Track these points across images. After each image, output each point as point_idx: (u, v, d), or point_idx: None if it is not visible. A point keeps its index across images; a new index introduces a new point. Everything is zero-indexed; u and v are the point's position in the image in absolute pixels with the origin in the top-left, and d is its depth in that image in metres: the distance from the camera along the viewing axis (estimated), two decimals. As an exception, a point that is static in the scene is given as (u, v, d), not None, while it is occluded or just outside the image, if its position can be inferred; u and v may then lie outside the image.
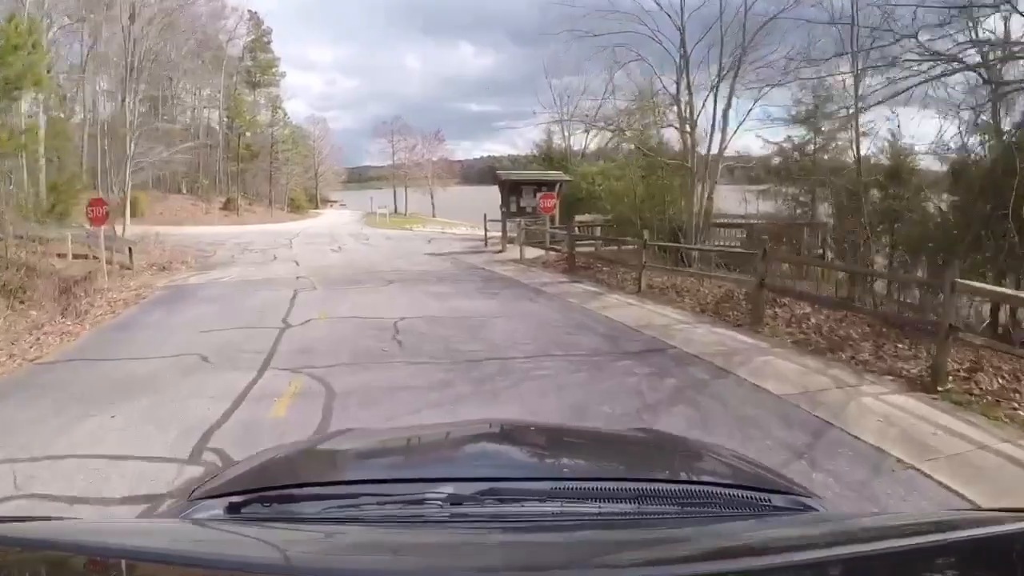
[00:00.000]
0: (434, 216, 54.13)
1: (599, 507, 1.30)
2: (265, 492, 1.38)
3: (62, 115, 31.34)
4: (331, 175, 66.30)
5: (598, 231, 20.88)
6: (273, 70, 52.89)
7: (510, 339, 8.63)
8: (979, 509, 2.95)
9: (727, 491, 1.46)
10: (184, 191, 42.27)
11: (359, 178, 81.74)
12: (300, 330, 9.25)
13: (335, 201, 68.71)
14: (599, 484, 1.39)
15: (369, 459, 1.93)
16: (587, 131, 31.29)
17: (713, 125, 17.45)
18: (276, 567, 0.94)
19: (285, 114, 50.65)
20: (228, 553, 1.05)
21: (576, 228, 18.77)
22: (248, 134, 45.06)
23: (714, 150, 17.85)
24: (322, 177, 64.83)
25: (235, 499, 1.34)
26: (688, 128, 17.80)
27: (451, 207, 54.56)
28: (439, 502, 1.29)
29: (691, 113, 17.70)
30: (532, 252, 19.06)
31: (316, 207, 59.71)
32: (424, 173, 56.58)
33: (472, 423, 2.53)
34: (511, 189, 22.67)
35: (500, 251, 21.39)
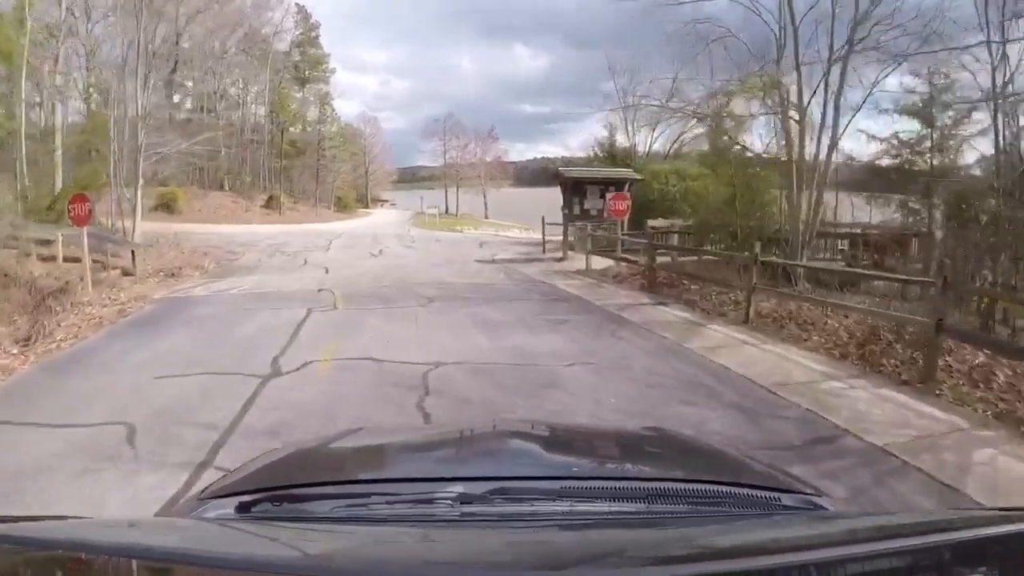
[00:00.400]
0: (486, 217, 51.57)
1: (609, 506, 1.30)
2: (275, 491, 1.37)
3: (103, 110, 30.06)
4: (382, 174, 65.02)
5: (675, 239, 17.68)
6: (322, 66, 51.25)
7: (596, 410, 5.70)
8: (993, 509, 2.33)
9: (737, 490, 1.42)
10: (227, 188, 40.66)
11: (411, 178, 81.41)
12: (289, 382, 6.49)
13: (385, 201, 67.40)
14: (609, 483, 1.40)
15: (378, 458, 1.91)
16: (653, 128, 28.23)
17: (824, 115, 14.10)
18: (286, 566, 0.92)
19: (333, 110, 48.81)
20: (238, 552, 1.05)
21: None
22: (292, 129, 43.06)
23: (822, 145, 14.45)
24: (372, 176, 63.67)
25: (245, 498, 1.33)
26: (796, 116, 14.43)
27: (504, 209, 52.43)
28: (449, 501, 1.28)
29: (800, 97, 14.32)
30: (599, 262, 16.07)
31: (366, 206, 58.37)
32: (476, 173, 54.01)
33: (481, 423, 2.57)
34: (574, 189, 19.74)
35: (561, 259, 18.45)
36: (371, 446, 2.11)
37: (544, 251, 20.42)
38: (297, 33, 47.36)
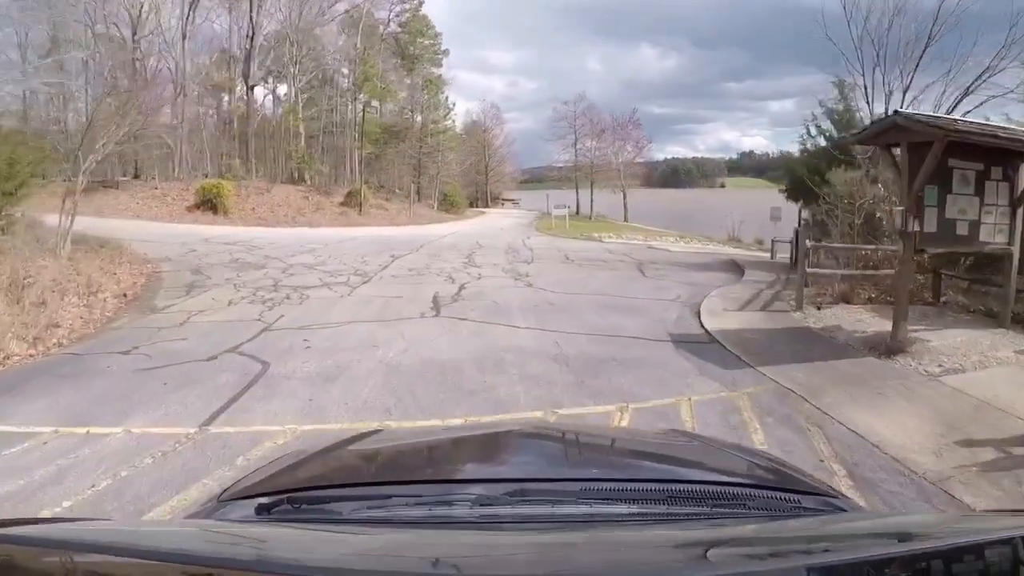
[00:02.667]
0: (625, 220, 40.19)
1: (629, 508, 1.29)
2: (294, 493, 1.35)
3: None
4: (505, 172, 58.56)
5: None
6: (428, 41, 42.13)
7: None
8: (1020, 511, 2.22)
9: (757, 492, 1.43)
10: (306, 180, 32.05)
11: (538, 178, 77.53)
12: None
13: (508, 200, 59.99)
14: (628, 485, 1.38)
15: (397, 460, 1.91)
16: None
17: None
18: (306, 569, 0.90)
19: (438, 90, 39.06)
20: (258, 554, 1.04)
21: None
22: (377, 104, 33.43)
23: None
24: (493, 172, 55.09)
25: (264, 500, 1.32)
26: None
27: (639, 211, 41.96)
28: (468, 503, 1.27)
29: None
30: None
31: (486, 205, 51.69)
32: (614, 166, 42.53)
33: (499, 425, 2.62)
34: (938, 170, 7.69)
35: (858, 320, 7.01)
36: (389, 448, 2.06)
37: (782, 284, 9.04)
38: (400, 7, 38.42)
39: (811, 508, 1.39)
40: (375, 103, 37.90)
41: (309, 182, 32.04)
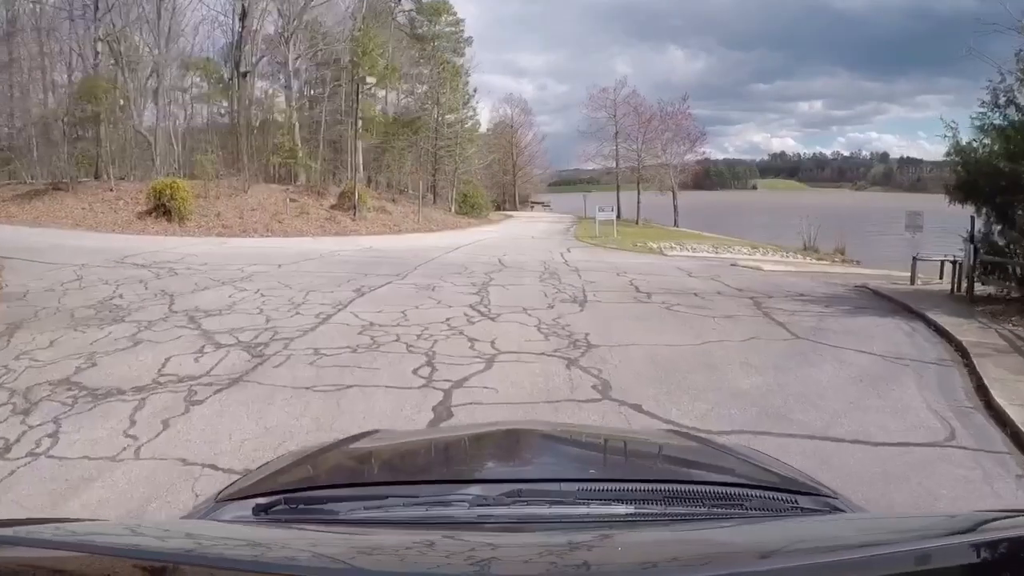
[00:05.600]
0: (676, 225, 34.03)
1: (626, 508, 1.28)
2: (291, 493, 1.34)
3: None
4: (533, 172, 54.70)
5: None
6: (450, 29, 36.59)
7: None
8: (1015, 510, 1.49)
9: (755, 492, 1.42)
10: (301, 178, 26.53)
11: (567, 180, 75.00)
12: None
13: (537, 203, 55.48)
14: (626, 485, 1.37)
15: (395, 461, 1.90)
16: None
17: None
18: (303, 569, 0.89)
19: (457, 77, 33.05)
20: (254, 555, 1.02)
21: None
22: (383, 93, 27.17)
23: None
24: (521, 172, 51.65)
25: (261, 500, 1.31)
26: None
27: (684, 214, 36.12)
28: (465, 504, 1.27)
29: None
30: None
31: (514, 208, 47.09)
32: (664, 161, 36.17)
33: (497, 425, 2.43)
34: None
35: None
36: (387, 448, 2.02)
37: None
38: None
39: (809, 508, 1.38)
40: (381, 93, 32.33)
41: (305, 181, 26.49)
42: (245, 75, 30.17)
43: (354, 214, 23.01)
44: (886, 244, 23.63)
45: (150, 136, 27.00)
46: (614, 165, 38.42)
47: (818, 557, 0.90)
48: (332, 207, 23.95)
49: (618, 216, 26.98)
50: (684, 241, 22.90)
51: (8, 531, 0.96)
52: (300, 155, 25.84)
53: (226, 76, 30.24)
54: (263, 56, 30.81)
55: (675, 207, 36.20)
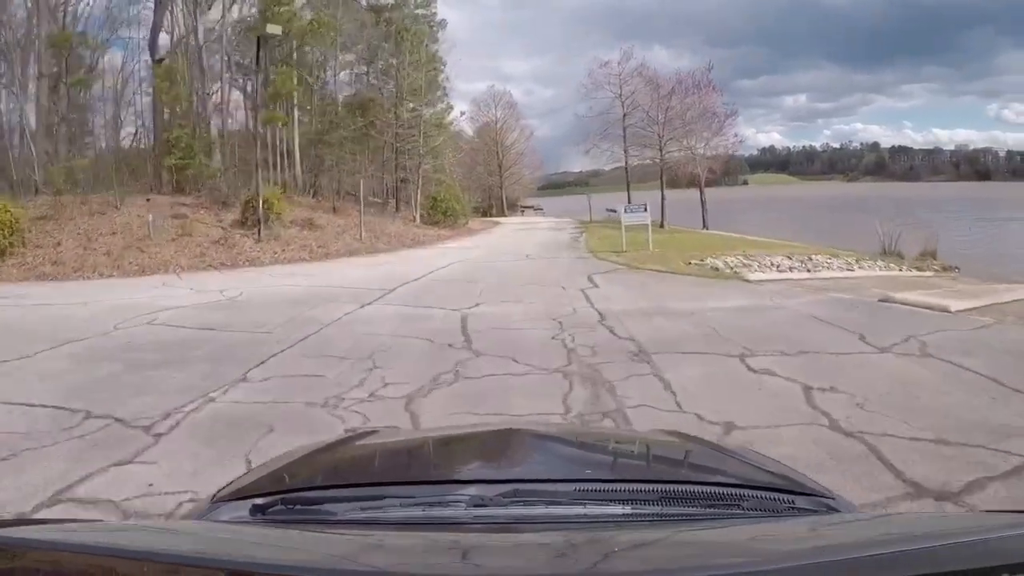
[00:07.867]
0: (705, 227, 26.64)
1: (623, 509, 1.27)
2: (288, 494, 1.32)
3: None
4: (522, 173, 49.35)
5: None
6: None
7: None
8: (1017, 511, 1.74)
9: (751, 492, 1.39)
10: (191, 190, 18.94)
11: (555, 184, 73.91)
12: None
13: (528, 207, 50.22)
14: (623, 485, 1.35)
15: (392, 461, 1.88)
16: None
17: None
18: (300, 569, 0.89)
19: (419, 41, 25.46)
20: (251, 555, 1.00)
21: None
22: (278, 31, 19.11)
23: None
24: (509, 173, 46.47)
25: (258, 500, 1.29)
26: None
27: (693, 213, 28.97)
28: (463, 504, 1.25)
29: None
30: None
31: (502, 213, 42.44)
32: (684, 145, 28.57)
33: (494, 426, 2.46)
34: None
35: None
36: (384, 448, 2.00)
37: None
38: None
39: (805, 508, 1.36)
40: (328, 74, 24.79)
41: (206, 193, 18.81)
42: (160, 61, 22.80)
43: (258, 233, 15.39)
44: (970, 240, 20.33)
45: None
46: (620, 157, 30.95)
47: (815, 557, 0.89)
48: (234, 223, 16.36)
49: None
50: (749, 252, 15.39)
51: (7, 532, 0.95)
52: (195, 153, 18.23)
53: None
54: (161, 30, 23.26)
55: (703, 205, 28.71)
